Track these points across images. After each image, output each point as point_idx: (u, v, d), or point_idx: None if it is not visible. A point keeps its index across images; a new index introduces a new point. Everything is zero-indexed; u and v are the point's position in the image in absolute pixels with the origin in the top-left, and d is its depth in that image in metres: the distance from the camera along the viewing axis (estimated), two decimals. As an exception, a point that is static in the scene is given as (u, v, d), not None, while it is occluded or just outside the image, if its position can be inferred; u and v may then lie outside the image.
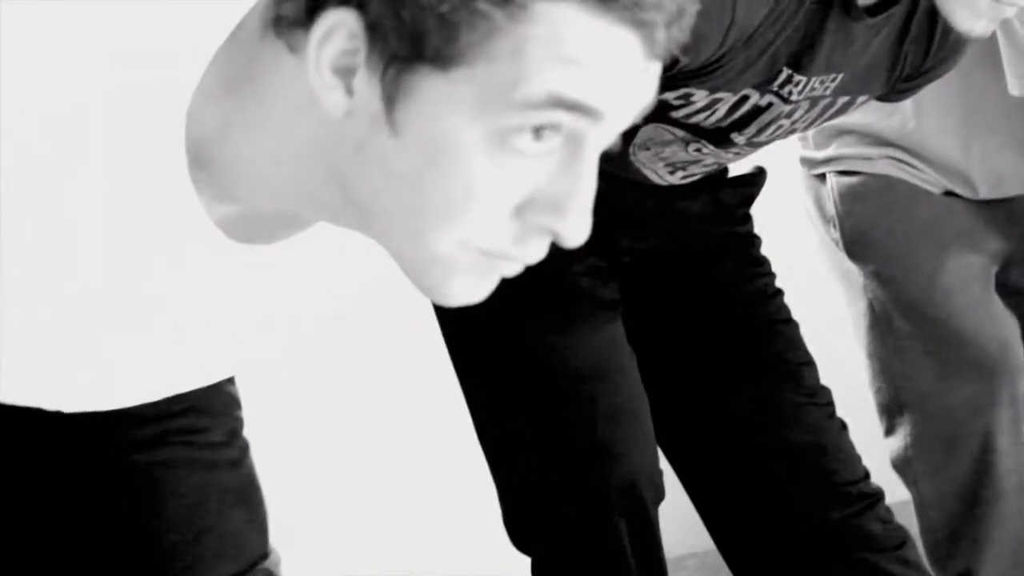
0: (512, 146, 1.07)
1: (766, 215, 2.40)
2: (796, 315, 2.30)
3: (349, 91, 1.08)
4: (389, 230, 1.11)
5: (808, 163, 2.69)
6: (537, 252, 1.13)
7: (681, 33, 1.09)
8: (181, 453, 1.61)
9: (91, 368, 1.30)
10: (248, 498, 1.66)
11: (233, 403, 1.68)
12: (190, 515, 1.60)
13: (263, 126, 1.12)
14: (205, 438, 1.64)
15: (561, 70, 1.05)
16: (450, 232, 1.10)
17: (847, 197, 2.62)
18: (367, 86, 1.07)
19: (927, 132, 2.59)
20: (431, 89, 1.06)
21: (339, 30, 1.07)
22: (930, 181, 2.61)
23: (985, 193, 2.63)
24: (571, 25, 1.04)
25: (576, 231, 1.12)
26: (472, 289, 1.13)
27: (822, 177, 2.66)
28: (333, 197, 1.13)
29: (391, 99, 1.06)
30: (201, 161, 1.15)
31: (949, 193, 2.62)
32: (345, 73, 1.08)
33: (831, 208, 2.64)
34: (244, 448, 1.68)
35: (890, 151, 2.60)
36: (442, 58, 1.04)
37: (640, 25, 1.06)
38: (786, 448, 2.20)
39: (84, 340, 1.25)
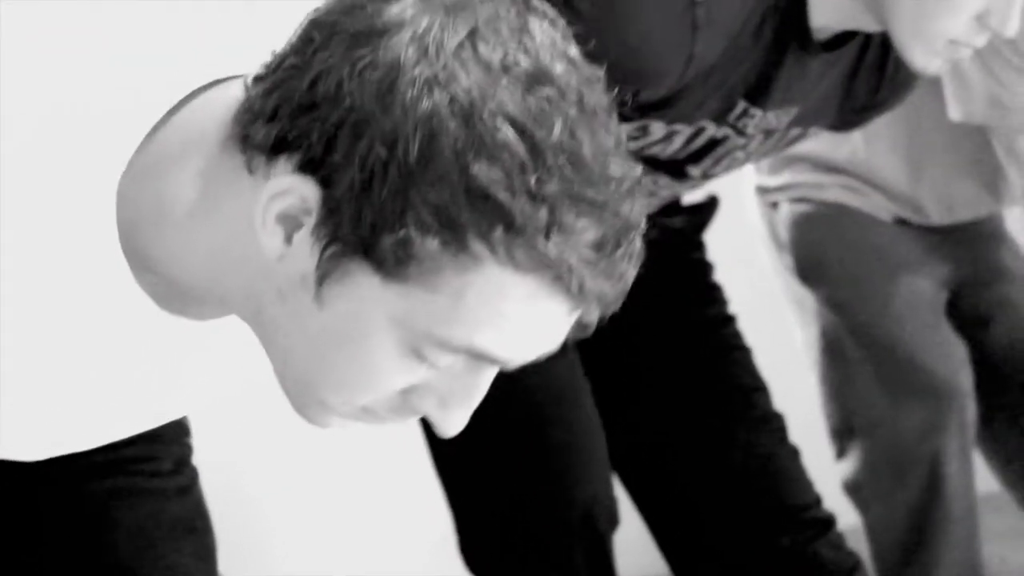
0: (423, 356, 1.07)
1: (723, 240, 2.38)
2: (752, 340, 2.27)
3: (288, 240, 1.06)
4: (283, 364, 1.11)
5: (761, 190, 2.68)
6: (410, 419, 1.14)
7: (617, 306, 1.10)
8: (131, 482, 1.59)
9: (22, 418, 1.26)
10: (197, 527, 1.64)
11: (182, 431, 1.65)
12: (140, 544, 1.58)
13: (203, 227, 1.10)
14: (154, 467, 1.61)
15: (490, 327, 1.05)
16: (339, 395, 1.10)
17: (799, 224, 2.62)
18: (306, 247, 1.06)
19: (877, 159, 2.58)
20: (365, 284, 1.04)
21: (296, 193, 1.05)
22: (881, 208, 2.60)
23: (937, 219, 2.62)
24: (514, 289, 1.04)
25: (455, 426, 1.12)
26: (343, 426, 1.15)
27: (775, 204, 2.65)
28: (244, 312, 1.12)
29: (325, 273, 1.05)
30: (133, 235, 1.12)
31: (901, 220, 2.61)
32: (290, 222, 1.06)
33: (784, 235, 2.64)
34: (193, 476, 1.66)
35: (842, 179, 2.60)
36: (386, 269, 1.03)
37: (579, 304, 1.07)
38: (738, 474, 2.18)
39: (13, 390, 1.21)
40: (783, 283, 2.67)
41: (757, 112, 1.93)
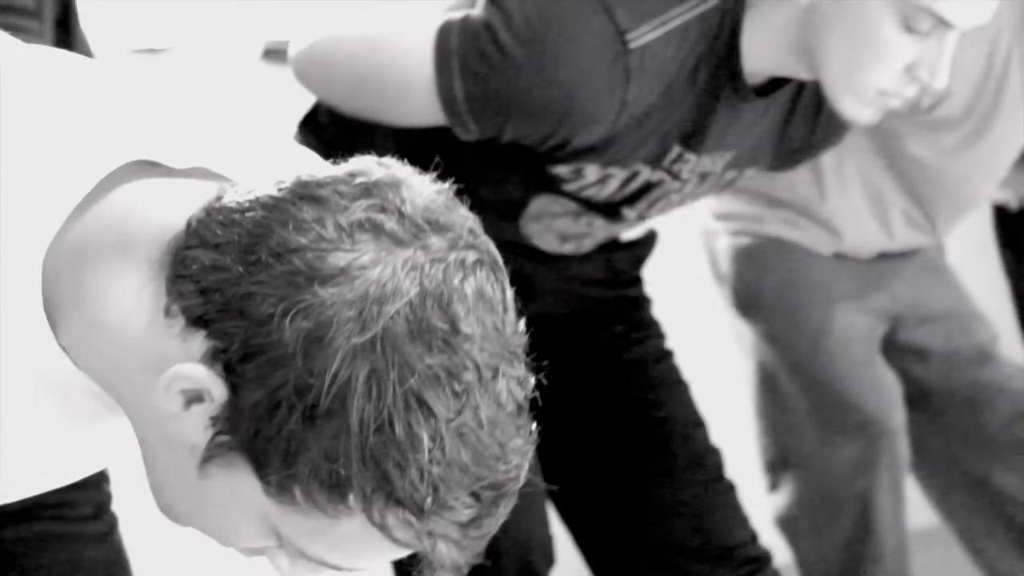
0: (281, 540, 1.08)
1: (668, 274, 2.36)
2: (696, 373, 2.25)
3: (186, 407, 1.04)
4: (154, 480, 1.10)
5: (703, 220, 2.66)
6: None
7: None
8: (49, 528, 1.58)
9: None
10: (115, 572, 1.63)
11: (101, 477, 1.64)
12: None
13: (112, 341, 1.08)
14: (73, 512, 1.61)
15: (345, 553, 1.07)
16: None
17: (739, 257, 2.60)
18: (201, 422, 1.04)
19: (815, 193, 2.57)
20: (246, 481, 1.04)
21: (204, 385, 1.03)
22: (820, 242, 2.58)
23: (868, 251, 2.60)
24: (378, 541, 1.05)
25: None
26: None
27: (716, 234, 2.63)
28: (131, 422, 1.10)
29: (211, 456, 1.05)
30: (50, 307, 1.10)
31: (839, 254, 2.60)
32: (192, 395, 1.04)
33: (724, 268, 2.62)
34: (112, 523, 1.66)
35: (780, 212, 2.58)
36: (267, 484, 1.03)
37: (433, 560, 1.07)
38: (673, 511, 2.15)
39: None
40: (727, 314, 2.66)
41: (692, 157, 1.90)
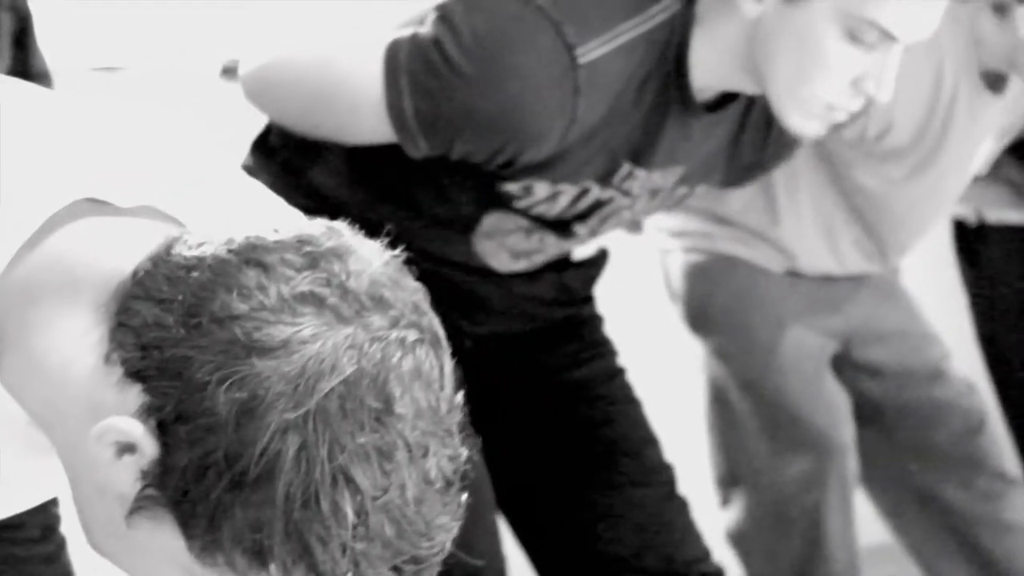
0: None
1: (623, 291, 2.36)
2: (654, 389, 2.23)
3: (118, 456, 1.03)
4: (82, 519, 1.09)
5: (655, 234, 2.66)
6: None
7: None
8: None
9: None
10: None
11: (50, 500, 1.60)
12: None
13: (51, 383, 1.07)
14: (22, 534, 1.60)
15: None
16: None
17: (691, 274, 2.59)
18: (132, 472, 1.03)
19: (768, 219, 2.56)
20: (170, 537, 1.04)
21: (136, 439, 1.02)
22: (772, 260, 2.58)
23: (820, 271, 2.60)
24: None
25: None
26: None
27: (670, 251, 2.63)
28: (62, 463, 1.09)
29: (138, 508, 1.04)
30: None
31: (792, 272, 2.59)
32: (125, 447, 1.03)
33: (677, 284, 2.62)
34: (60, 544, 1.65)
35: (731, 230, 2.58)
36: (191, 543, 1.03)
37: None
38: (625, 528, 2.13)
39: None
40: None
41: (641, 173, 1.89)
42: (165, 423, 1.01)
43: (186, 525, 1.02)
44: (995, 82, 2.52)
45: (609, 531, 2.12)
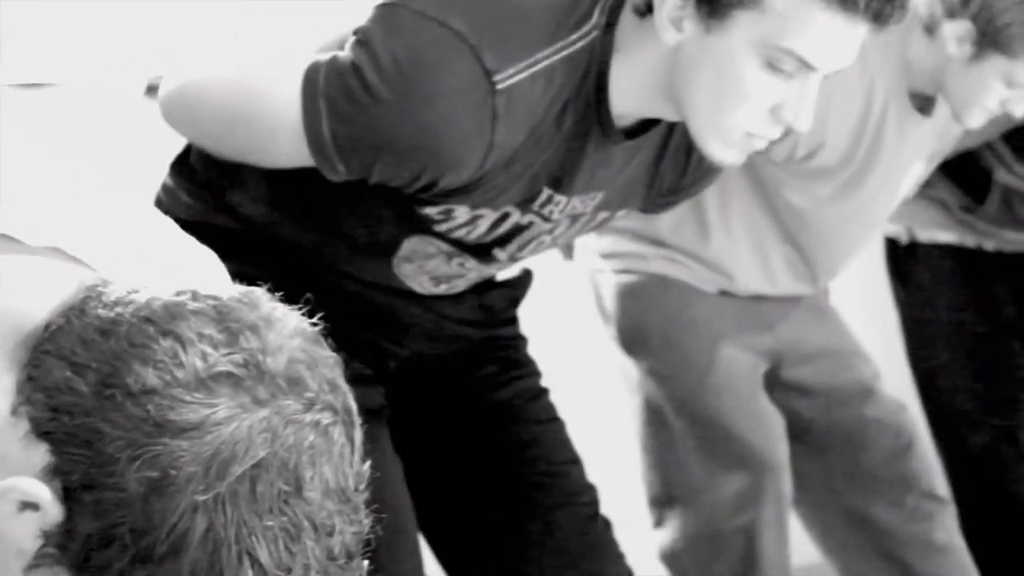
0: None
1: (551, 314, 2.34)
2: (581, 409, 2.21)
3: (20, 510, 1.02)
4: None
5: (586, 255, 2.64)
6: None
7: None
8: None
9: None
10: None
11: None
12: None
13: None
14: None
15: None
16: None
17: (623, 295, 2.58)
18: (32, 532, 1.02)
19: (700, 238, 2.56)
20: None
21: (41, 501, 1.01)
22: (704, 280, 2.57)
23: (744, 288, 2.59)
24: None
25: None
26: None
27: (602, 272, 2.62)
28: None
29: (37, 565, 1.02)
30: None
31: (724, 292, 2.59)
32: (24, 504, 1.02)
33: (609, 305, 2.61)
34: None
35: (664, 250, 2.57)
36: None
37: None
38: (547, 550, 2.11)
39: None
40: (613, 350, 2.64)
41: (562, 199, 1.87)
42: (71, 489, 1.00)
43: None
44: (924, 104, 2.52)
45: (532, 552, 2.10)
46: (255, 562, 1.00)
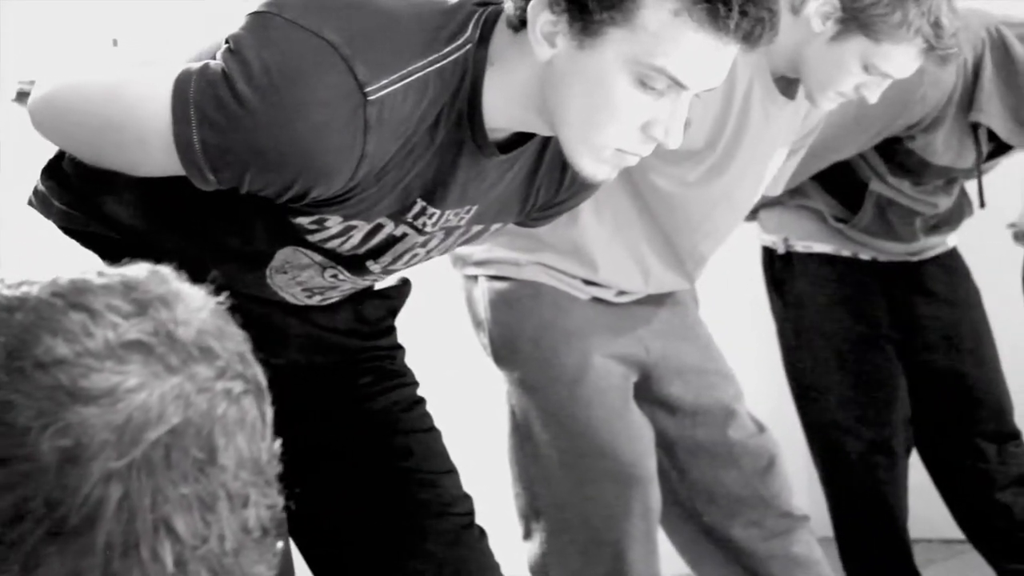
0: None
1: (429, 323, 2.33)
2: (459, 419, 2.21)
3: None
4: None
5: (460, 262, 2.63)
6: None
7: None
8: None
9: None
10: None
11: None
12: None
13: None
14: None
15: None
16: None
17: (496, 303, 2.57)
18: None
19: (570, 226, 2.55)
20: None
21: None
22: (578, 288, 2.57)
23: (625, 286, 2.59)
24: None
25: None
26: None
27: (474, 278, 2.60)
28: None
29: None
30: None
31: (597, 299, 2.59)
32: None
33: (481, 313, 2.59)
34: None
35: (540, 255, 2.55)
36: None
37: None
38: (422, 560, 2.10)
39: None
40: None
41: (435, 211, 1.86)
42: None
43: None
44: (788, 86, 2.53)
45: (407, 562, 2.10)
46: (171, 531, 1.00)
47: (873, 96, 2.49)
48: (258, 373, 1.08)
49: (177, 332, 1.03)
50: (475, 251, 2.58)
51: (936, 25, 2.41)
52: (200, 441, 1.02)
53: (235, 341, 1.07)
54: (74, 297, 1.02)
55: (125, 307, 1.02)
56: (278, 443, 1.09)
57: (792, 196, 3.19)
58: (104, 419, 0.99)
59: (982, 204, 3.25)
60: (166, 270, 1.07)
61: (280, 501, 1.08)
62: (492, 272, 2.57)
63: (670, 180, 2.51)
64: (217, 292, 1.08)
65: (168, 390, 1.01)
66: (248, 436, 1.05)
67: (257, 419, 1.06)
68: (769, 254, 3.30)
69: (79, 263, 1.07)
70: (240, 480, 1.04)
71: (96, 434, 0.99)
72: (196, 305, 1.06)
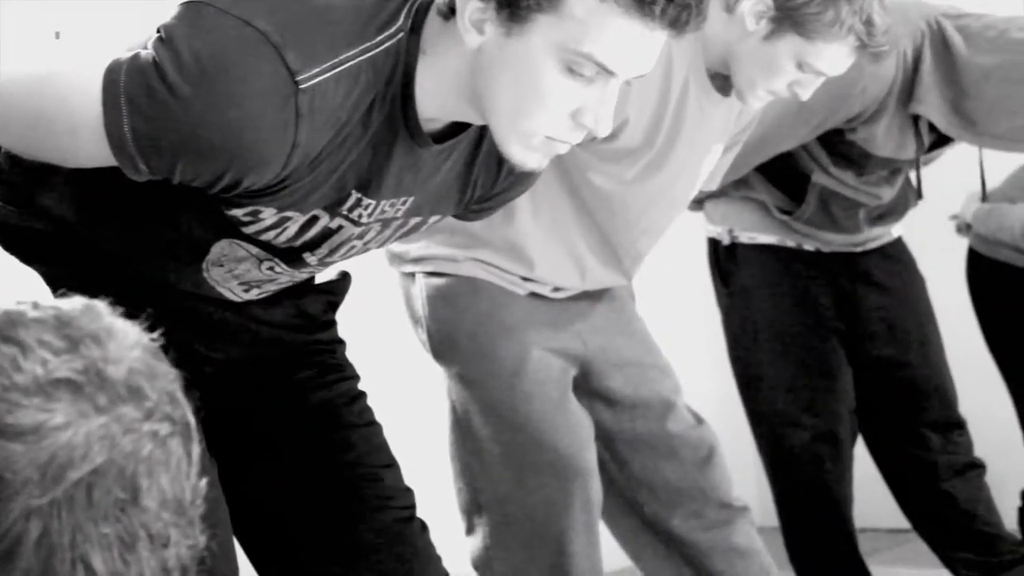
0: None
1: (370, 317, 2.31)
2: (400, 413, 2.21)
3: None
4: None
5: (397, 260, 2.62)
6: None
7: None
8: None
9: None
10: None
11: None
12: None
13: None
14: None
15: None
16: None
17: (434, 299, 2.56)
18: None
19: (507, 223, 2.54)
20: None
21: None
22: (516, 283, 2.56)
23: (561, 283, 2.58)
24: None
25: None
26: None
27: (412, 275, 2.59)
28: None
29: None
30: None
31: (535, 294, 2.58)
32: None
33: (419, 309, 2.58)
34: None
35: (477, 252, 2.55)
36: None
37: None
38: (363, 553, 2.10)
39: None
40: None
41: (370, 202, 1.85)
42: None
43: None
44: (723, 83, 2.53)
45: (348, 556, 2.09)
46: (89, 569, 1.00)
47: (806, 94, 2.49)
48: (187, 413, 1.08)
49: (107, 371, 1.02)
50: (412, 248, 2.57)
51: (868, 23, 2.42)
52: (123, 481, 1.01)
53: (166, 380, 1.07)
54: (6, 330, 1.01)
55: (56, 343, 1.02)
56: (203, 482, 1.08)
57: (737, 188, 3.20)
58: (28, 456, 0.99)
59: (919, 195, 3.26)
60: (101, 305, 1.07)
61: (202, 541, 1.08)
62: (430, 269, 2.56)
63: (608, 178, 2.51)
64: (151, 329, 1.08)
65: (94, 430, 1.01)
66: (172, 477, 1.04)
67: (183, 459, 1.06)
68: (714, 245, 3.30)
69: (13, 295, 1.07)
70: (162, 521, 1.03)
71: (20, 471, 0.99)
72: (128, 343, 1.05)
